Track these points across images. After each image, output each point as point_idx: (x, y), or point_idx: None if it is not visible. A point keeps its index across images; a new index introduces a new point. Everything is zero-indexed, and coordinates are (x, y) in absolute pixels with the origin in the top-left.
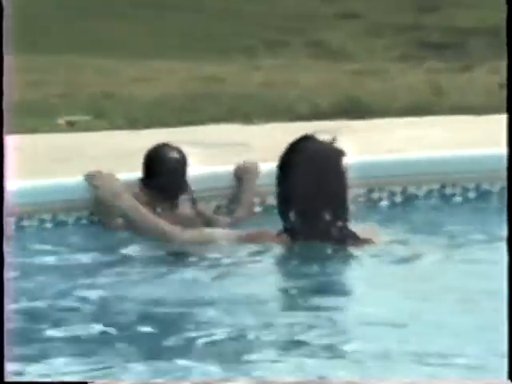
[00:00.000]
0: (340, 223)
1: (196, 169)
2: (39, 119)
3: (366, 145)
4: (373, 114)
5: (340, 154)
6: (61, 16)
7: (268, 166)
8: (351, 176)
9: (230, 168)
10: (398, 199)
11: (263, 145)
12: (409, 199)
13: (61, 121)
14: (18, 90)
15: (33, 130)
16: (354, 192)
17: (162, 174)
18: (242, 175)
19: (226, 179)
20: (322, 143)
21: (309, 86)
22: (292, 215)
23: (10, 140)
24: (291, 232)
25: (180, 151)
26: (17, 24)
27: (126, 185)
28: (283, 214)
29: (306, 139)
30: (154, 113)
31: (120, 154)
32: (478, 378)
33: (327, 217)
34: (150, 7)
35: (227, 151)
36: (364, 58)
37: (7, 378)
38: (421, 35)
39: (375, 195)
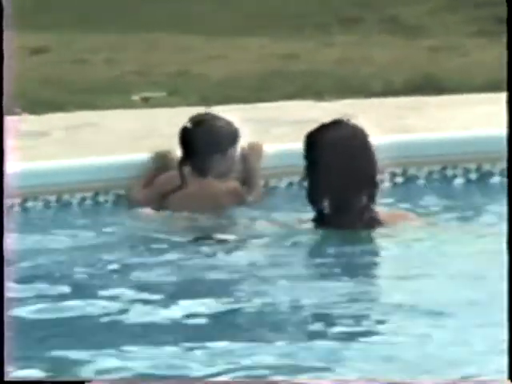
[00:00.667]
0: (372, 207)
1: (269, 146)
2: (115, 96)
3: (440, 121)
4: (448, 90)
5: (366, 134)
6: None
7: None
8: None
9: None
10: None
11: None
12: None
13: (136, 97)
14: (95, 67)
15: (109, 107)
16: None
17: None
18: (249, 156)
19: (298, 156)
20: (346, 126)
21: (383, 63)
22: (326, 203)
23: (83, 116)
24: (323, 220)
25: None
26: (93, 3)
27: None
28: (315, 203)
29: (328, 125)
30: (227, 90)
31: None
32: (478, 378)
33: (363, 202)
34: None
35: (300, 128)
36: (440, 34)
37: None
38: (498, 10)
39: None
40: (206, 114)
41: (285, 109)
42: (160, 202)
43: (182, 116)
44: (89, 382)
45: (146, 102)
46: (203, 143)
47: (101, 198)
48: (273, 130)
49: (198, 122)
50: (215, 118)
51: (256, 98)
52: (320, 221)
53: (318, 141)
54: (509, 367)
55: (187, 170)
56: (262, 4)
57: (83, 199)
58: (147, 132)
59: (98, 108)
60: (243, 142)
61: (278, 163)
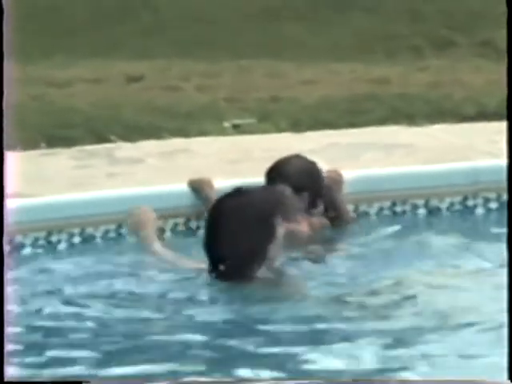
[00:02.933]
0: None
1: (359, 171)
2: (207, 122)
3: None
4: None
5: (274, 209)
6: (233, 19)
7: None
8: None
9: (395, 169)
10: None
11: (428, 146)
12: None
13: (227, 124)
14: (187, 94)
15: (201, 133)
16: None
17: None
18: (331, 187)
19: (389, 181)
20: (256, 197)
21: (475, 87)
22: (222, 264)
23: (176, 142)
24: (219, 272)
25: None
26: (185, 31)
27: None
28: (212, 264)
29: (238, 193)
30: (318, 115)
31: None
32: (478, 378)
33: (245, 265)
34: (329, 7)
35: (391, 153)
36: None
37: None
38: None
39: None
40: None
41: (376, 133)
42: None
43: (271, 141)
44: (89, 382)
45: (238, 129)
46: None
47: None
48: (364, 155)
49: (291, 165)
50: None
51: (347, 122)
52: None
53: (216, 209)
54: (509, 367)
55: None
56: (353, 29)
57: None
58: (238, 157)
59: (191, 135)
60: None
61: (368, 188)
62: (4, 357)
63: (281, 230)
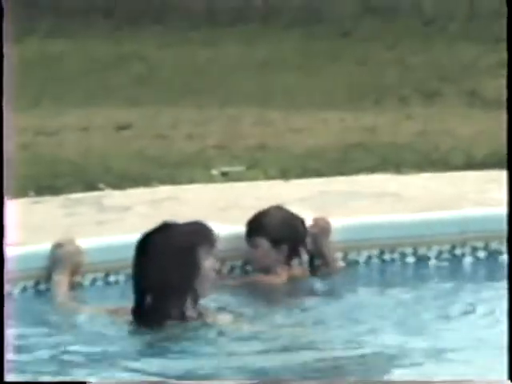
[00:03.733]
0: (188, 306)
1: (347, 219)
2: (196, 170)
3: None
4: None
5: (198, 242)
6: (221, 68)
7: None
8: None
9: (383, 218)
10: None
11: (416, 195)
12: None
13: (215, 171)
14: (176, 142)
15: (190, 181)
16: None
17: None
18: (317, 235)
19: (377, 229)
20: (173, 229)
21: (463, 136)
22: (147, 300)
23: (165, 190)
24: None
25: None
26: (173, 79)
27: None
28: (138, 298)
29: (159, 229)
30: (307, 163)
31: (274, 204)
32: (478, 378)
33: (171, 304)
34: (318, 57)
35: (379, 201)
36: None
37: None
38: None
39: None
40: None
41: (364, 182)
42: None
43: (260, 189)
44: (89, 382)
45: (226, 176)
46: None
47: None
48: (351, 203)
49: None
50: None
51: (336, 171)
52: (138, 313)
53: (142, 243)
54: (509, 367)
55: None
56: (341, 78)
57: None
58: (227, 205)
59: (180, 182)
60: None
61: (356, 236)
62: (4, 357)
63: (206, 262)
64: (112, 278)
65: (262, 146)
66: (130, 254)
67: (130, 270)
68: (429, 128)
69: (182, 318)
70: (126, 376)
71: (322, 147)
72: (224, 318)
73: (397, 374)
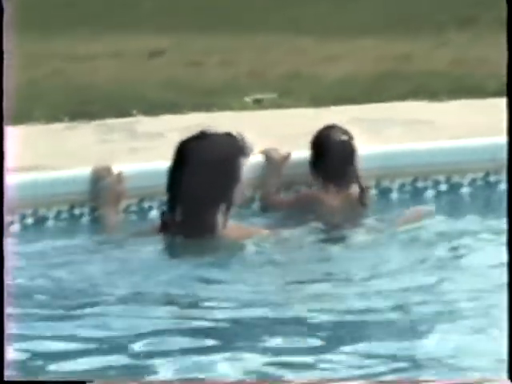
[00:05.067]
0: (220, 220)
1: (378, 146)
2: (229, 98)
3: None
4: None
5: (237, 152)
6: None
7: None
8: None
9: (416, 145)
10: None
11: (450, 123)
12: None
13: (248, 99)
14: (209, 70)
15: (223, 108)
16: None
17: (326, 159)
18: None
19: (410, 157)
20: (211, 138)
21: (498, 63)
22: (178, 211)
23: (197, 117)
24: (171, 226)
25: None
26: (205, 5)
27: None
28: (170, 209)
29: (196, 138)
30: (340, 91)
31: (306, 132)
32: (478, 378)
33: (215, 214)
34: None
35: (413, 129)
36: None
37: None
38: None
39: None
40: (337, 129)
41: (398, 109)
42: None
43: (293, 117)
44: (89, 382)
45: (259, 104)
46: (341, 158)
47: None
48: (385, 131)
49: (340, 133)
50: (342, 131)
51: (369, 98)
52: (167, 227)
53: (179, 151)
54: (509, 367)
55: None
56: (376, 5)
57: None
58: (259, 134)
59: (212, 110)
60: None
61: (390, 164)
62: (4, 357)
63: (242, 173)
64: (146, 204)
65: (294, 74)
66: (163, 180)
67: (163, 197)
68: (463, 55)
69: (213, 229)
70: None
71: (355, 75)
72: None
73: None
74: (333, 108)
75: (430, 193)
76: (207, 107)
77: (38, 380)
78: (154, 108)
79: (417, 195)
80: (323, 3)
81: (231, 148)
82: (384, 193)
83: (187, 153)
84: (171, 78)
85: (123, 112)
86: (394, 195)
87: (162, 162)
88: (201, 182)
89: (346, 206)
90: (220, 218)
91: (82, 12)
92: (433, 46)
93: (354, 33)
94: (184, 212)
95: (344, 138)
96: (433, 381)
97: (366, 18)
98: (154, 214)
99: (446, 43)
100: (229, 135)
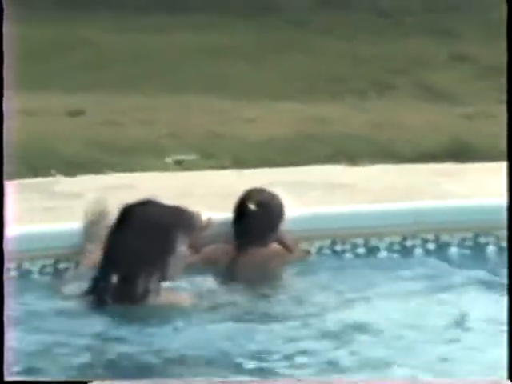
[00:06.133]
0: (153, 287)
1: (299, 209)
2: (149, 158)
3: (472, 187)
4: (479, 157)
5: (177, 224)
6: (172, 55)
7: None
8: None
9: (335, 209)
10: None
11: (369, 186)
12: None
13: (169, 160)
14: (128, 129)
15: (143, 169)
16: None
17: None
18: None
19: (330, 220)
20: (157, 206)
21: (416, 129)
22: (112, 277)
23: (118, 178)
24: (102, 293)
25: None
26: (124, 65)
27: None
28: (101, 276)
29: (142, 203)
30: (261, 153)
31: (227, 194)
32: (478, 378)
33: (142, 281)
34: (271, 48)
35: (332, 192)
36: (472, 101)
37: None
38: None
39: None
40: (262, 192)
41: (317, 172)
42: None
43: (214, 178)
44: (89, 382)
45: (180, 165)
46: (264, 224)
47: None
48: (304, 194)
49: (259, 203)
50: (271, 196)
51: (289, 161)
52: (98, 293)
53: (122, 214)
54: (509, 367)
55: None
56: (296, 68)
57: None
58: (181, 193)
59: (132, 170)
60: None
61: (309, 227)
62: (4, 357)
63: (181, 247)
64: (61, 265)
65: (214, 135)
66: (80, 241)
67: (79, 258)
68: (382, 120)
69: (144, 296)
70: None
71: (275, 137)
72: (181, 298)
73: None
74: (254, 170)
75: (348, 256)
76: (128, 167)
77: (37, 380)
78: (72, 168)
79: (337, 258)
80: (241, 65)
81: (172, 219)
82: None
83: (128, 217)
84: (91, 137)
85: (41, 172)
86: (313, 257)
87: (79, 223)
88: (136, 248)
89: (262, 264)
90: (153, 285)
91: None
92: (352, 110)
93: (275, 95)
94: (118, 276)
95: (255, 207)
96: (432, 381)
97: (287, 80)
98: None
99: (364, 108)
100: (175, 208)
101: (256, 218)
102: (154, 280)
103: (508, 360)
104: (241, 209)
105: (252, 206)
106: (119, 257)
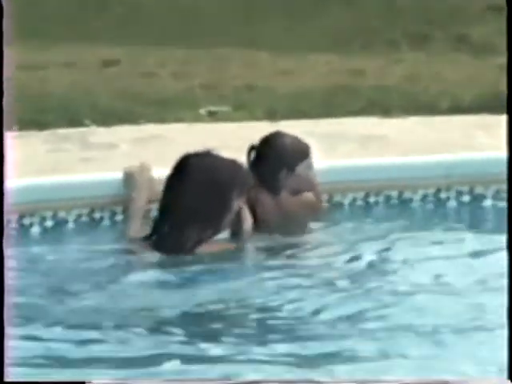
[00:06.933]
0: (204, 237)
1: (333, 161)
2: (183, 109)
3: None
4: None
5: (232, 174)
6: (210, 9)
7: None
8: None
9: (369, 161)
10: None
11: (403, 138)
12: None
13: (202, 111)
14: (163, 81)
15: (177, 120)
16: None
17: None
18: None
19: (364, 172)
20: (216, 160)
21: (451, 81)
22: (166, 226)
23: (151, 129)
24: (157, 242)
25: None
26: (162, 18)
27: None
28: (157, 223)
29: (202, 155)
30: (294, 105)
31: None
32: (478, 378)
33: (194, 233)
34: (313, 2)
35: (366, 144)
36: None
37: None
38: None
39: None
40: (275, 133)
41: (351, 124)
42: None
43: (247, 130)
44: (89, 382)
45: (213, 116)
46: (270, 159)
47: None
48: (339, 146)
49: (264, 140)
50: (283, 135)
51: (323, 113)
52: (154, 241)
53: (180, 163)
54: (509, 367)
55: (258, 190)
56: (332, 20)
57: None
58: (214, 145)
59: (166, 121)
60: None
61: (343, 178)
62: (4, 357)
63: (236, 203)
64: (97, 215)
65: (249, 87)
66: (116, 191)
67: (115, 207)
68: (417, 72)
69: (195, 247)
70: None
71: (309, 89)
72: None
73: None
74: (287, 122)
75: (381, 207)
76: (161, 118)
77: (37, 381)
78: (107, 118)
79: (369, 209)
80: (278, 20)
81: (230, 175)
82: (336, 206)
83: (186, 167)
84: (125, 89)
85: (76, 122)
86: (346, 209)
87: (115, 173)
88: (192, 201)
89: (280, 212)
90: (205, 238)
91: (33, 21)
92: (386, 62)
93: (308, 48)
94: (170, 226)
95: (261, 146)
96: (432, 380)
97: (322, 32)
98: (106, 223)
99: (399, 60)
100: (233, 163)
101: (263, 158)
102: (207, 233)
103: (508, 360)
104: (250, 151)
105: (255, 144)
106: (174, 207)
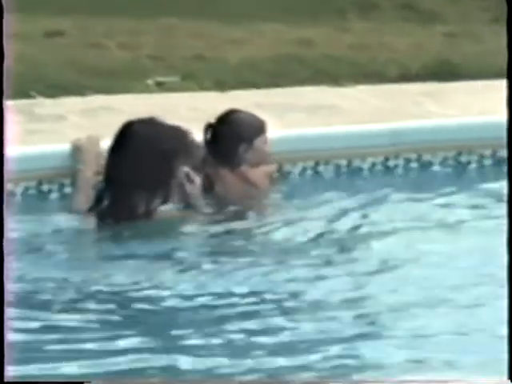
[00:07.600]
0: (153, 206)
1: (281, 131)
2: (131, 80)
3: (458, 108)
4: (464, 76)
5: (176, 140)
6: None
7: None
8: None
9: (318, 130)
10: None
11: (352, 107)
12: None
13: (150, 81)
14: (110, 52)
15: (125, 91)
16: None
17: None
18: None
19: (312, 141)
20: (159, 127)
21: (399, 49)
22: (106, 196)
23: (99, 100)
24: (100, 212)
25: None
26: None
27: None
28: (101, 192)
29: (145, 122)
30: (242, 75)
31: (210, 115)
32: (478, 378)
33: (138, 200)
34: None
35: (314, 113)
36: (456, 20)
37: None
38: None
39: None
40: (231, 110)
41: (300, 94)
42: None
43: (196, 100)
44: (89, 382)
45: (161, 87)
46: (228, 135)
47: None
48: (287, 116)
49: (221, 117)
50: (239, 111)
51: (271, 83)
52: (98, 210)
53: (123, 131)
54: (509, 367)
55: (218, 166)
56: None
57: None
58: (163, 115)
59: (114, 92)
60: None
61: (292, 148)
62: (4, 357)
63: (181, 170)
64: (45, 187)
65: (197, 57)
66: (64, 163)
67: (62, 179)
68: (364, 41)
69: (146, 216)
70: None
71: (257, 59)
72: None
73: None
74: (236, 92)
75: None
76: (109, 89)
77: (37, 381)
78: (53, 90)
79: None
80: None
81: (173, 143)
82: (285, 176)
83: (129, 135)
84: (72, 60)
85: (22, 94)
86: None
87: (63, 145)
88: (136, 170)
89: (242, 185)
90: (155, 206)
91: None
92: (334, 31)
93: (257, 17)
94: (116, 194)
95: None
96: (432, 380)
97: (269, 3)
98: (54, 196)
99: (346, 29)
100: (177, 129)
101: (221, 135)
102: (156, 202)
103: (508, 360)
104: (207, 130)
105: (211, 122)
106: (119, 176)
